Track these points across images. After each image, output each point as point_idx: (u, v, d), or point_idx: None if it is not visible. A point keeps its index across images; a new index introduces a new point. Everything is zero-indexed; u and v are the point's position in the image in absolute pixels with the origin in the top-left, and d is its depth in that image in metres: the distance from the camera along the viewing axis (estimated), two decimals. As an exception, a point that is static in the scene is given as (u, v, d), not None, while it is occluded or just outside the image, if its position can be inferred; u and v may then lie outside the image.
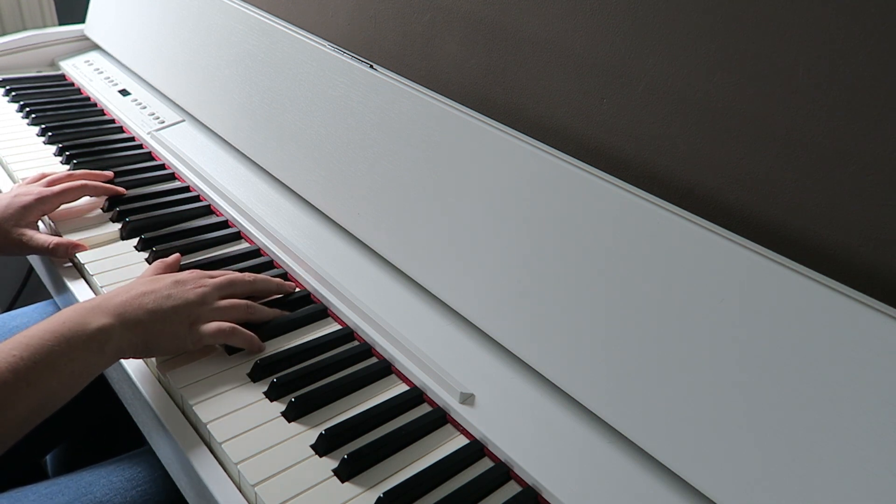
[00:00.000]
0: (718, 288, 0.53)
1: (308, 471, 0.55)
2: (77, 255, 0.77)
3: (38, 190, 0.82)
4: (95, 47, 1.32)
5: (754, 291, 0.52)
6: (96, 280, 0.74)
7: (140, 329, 0.60)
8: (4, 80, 1.20)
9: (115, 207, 0.86)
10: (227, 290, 0.68)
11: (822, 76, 0.55)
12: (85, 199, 0.88)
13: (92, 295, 0.74)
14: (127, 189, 0.90)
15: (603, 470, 0.56)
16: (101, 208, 0.87)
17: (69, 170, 0.94)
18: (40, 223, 0.84)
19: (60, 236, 0.80)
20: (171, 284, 0.65)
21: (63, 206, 0.85)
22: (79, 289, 0.75)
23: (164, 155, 0.98)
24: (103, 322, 0.58)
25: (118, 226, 0.84)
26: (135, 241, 0.81)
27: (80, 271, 0.77)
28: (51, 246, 0.77)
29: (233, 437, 0.57)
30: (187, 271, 0.69)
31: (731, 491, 0.50)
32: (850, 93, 0.54)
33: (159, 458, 0.64)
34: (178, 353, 0.64)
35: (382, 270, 0.76)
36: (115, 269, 0.76)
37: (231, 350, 0.66)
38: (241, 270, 0.77)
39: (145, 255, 0.79)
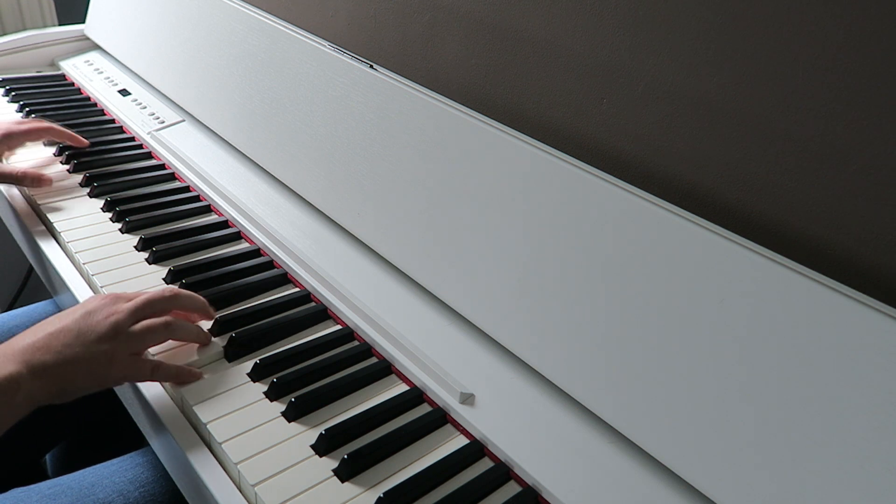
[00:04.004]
0: (719, 288, 0.53)
1: (308, 471, 0.55)
2: (76, 254, 0.78)
3: (7, 126, 0.90)
4: (95, 47, 1.32)
5: (754, 291, 0.52)
6: (96, 280, 0.74)
7: (51, 375, 0.55)
8: (4, 80, 1.20)
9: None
10: (144, 311, 0.61)
11: (822, 76, 0.55)
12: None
13: (92, 295, 0.74)
14: (127, 189, 0.91)
15: (603, 470, 0.56)
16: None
17: (69, 171, 0.94)
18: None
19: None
20: (80, 318, 0.59)
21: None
22: (79, 289, 0.75)
23: (164, 155, 0.98)
24: (9, 371, 0.54)
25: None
26: (135, 240, 0.81)
27: (79, 270, 0.77)
28: (19, 174, 0.85)
29: (233, 437, 0.57)
30: (99, 296, 0.63)
31: (731, 491, 0.50)
32: (850, 93, 0.54)
33: (159, 458, 0.64)
34: (102, 389, 0.60)
35: (382, 270, 0.76)
36: (116, 269, 0.76)
37: (230, 355, 0.66)
38: (240, 270, 0.77)
39: (145, 255, 0.79)
